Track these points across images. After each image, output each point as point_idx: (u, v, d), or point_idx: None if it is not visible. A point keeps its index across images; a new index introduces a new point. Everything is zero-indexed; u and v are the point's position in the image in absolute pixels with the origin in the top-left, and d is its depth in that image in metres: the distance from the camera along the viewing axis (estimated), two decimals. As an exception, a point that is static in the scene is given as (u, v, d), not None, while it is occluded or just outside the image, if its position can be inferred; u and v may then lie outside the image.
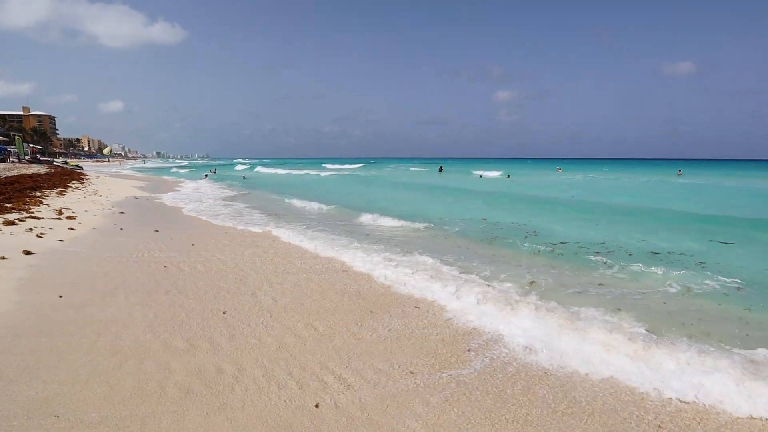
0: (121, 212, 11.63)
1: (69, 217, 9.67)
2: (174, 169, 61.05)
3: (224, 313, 4.61)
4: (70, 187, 17.25)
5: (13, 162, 47.37)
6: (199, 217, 11.89)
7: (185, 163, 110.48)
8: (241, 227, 10.13)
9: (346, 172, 50.96)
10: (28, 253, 6.28)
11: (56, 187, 16.25)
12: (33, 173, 22.96)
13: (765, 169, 64.48)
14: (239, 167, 64.03)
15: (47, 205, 11.27)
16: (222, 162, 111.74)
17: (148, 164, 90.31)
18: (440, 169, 52.88)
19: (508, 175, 40.68)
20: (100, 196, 15.30)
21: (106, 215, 10.82)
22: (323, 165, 71.94)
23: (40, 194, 13.46)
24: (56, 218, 9.42)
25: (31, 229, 7.85)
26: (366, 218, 11.43)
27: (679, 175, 46.11)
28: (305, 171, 52.38)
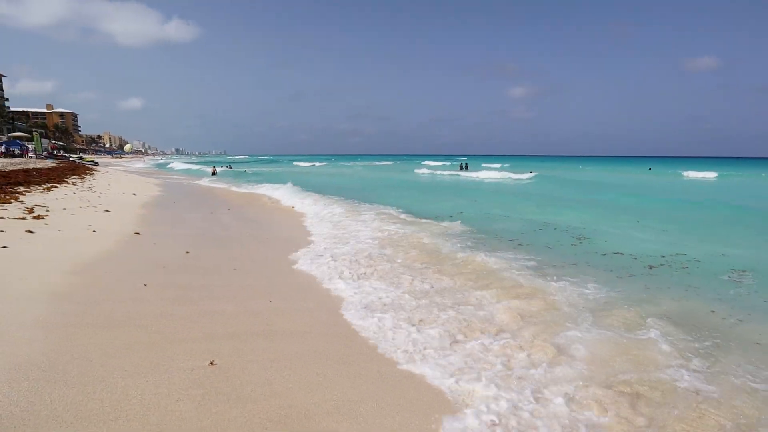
0: (107, 210, 10.14)
1: (37, 217, 8.19)
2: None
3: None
4: (66, 182, 15.97)
5: (30, 157, 47.12)
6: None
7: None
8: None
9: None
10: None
11: (49, 182, 14.96)
12: (34, 168, 21.93)
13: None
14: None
15: (21, 202, 9.86)
16: (217, 160, 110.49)
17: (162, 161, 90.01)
18: (463, 167, 48.98)
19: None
20: (93, 192, 13.93)
21: (90, 214, 9.34)
22: (294, 163, 79.97)
23: (23, 189, 12.11)
24: (20, 218, 7.94)
25: (-26, 233, 6.36)
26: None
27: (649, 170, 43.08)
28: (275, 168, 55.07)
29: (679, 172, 45.62)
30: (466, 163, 51.24)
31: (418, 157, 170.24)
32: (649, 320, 4.13)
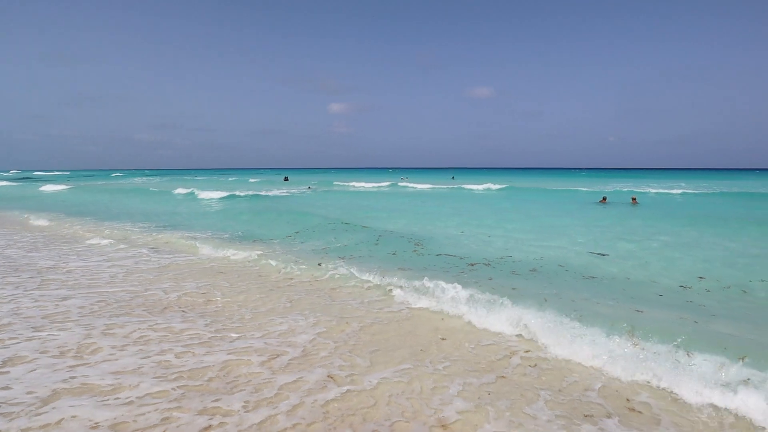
0: None
1: None
2: None
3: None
4: None
5: None
6: None
7: None
8: None
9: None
10: None
11: None
12: None
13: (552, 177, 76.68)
14: None
15: None
16: None
17: None
18: (285, 179, 50.00)
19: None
20: None
21: None
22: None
23: None
24: None
25: None
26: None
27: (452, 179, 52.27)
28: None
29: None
30: (286, 177, 53.22)
31: (237, 171, 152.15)
32: None
